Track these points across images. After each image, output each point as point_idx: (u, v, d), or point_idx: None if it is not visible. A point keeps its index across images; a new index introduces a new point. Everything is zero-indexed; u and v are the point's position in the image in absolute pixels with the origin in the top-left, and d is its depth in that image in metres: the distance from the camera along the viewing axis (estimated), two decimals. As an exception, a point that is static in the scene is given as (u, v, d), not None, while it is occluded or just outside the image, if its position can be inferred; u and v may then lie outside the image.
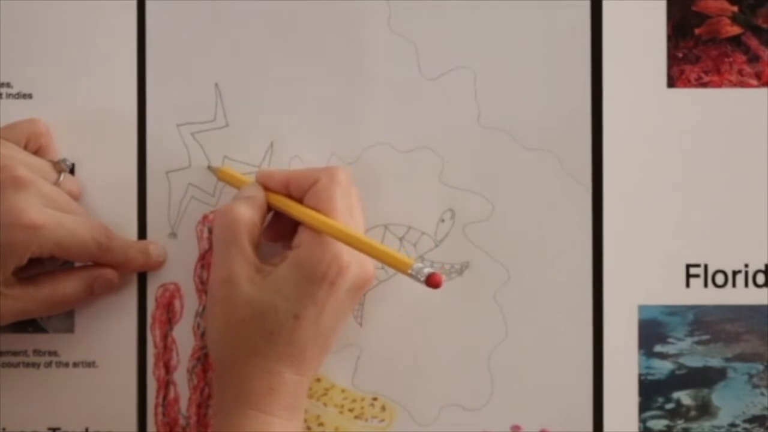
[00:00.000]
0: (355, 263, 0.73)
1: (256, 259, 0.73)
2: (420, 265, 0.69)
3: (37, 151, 0.76)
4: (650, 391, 0.78)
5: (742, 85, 0.78)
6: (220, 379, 0.73)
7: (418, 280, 0.69)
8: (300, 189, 0.75)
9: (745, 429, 0.78)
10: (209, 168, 0.78)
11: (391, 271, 0.78)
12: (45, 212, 0.72)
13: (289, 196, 0.75)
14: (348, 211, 0.74)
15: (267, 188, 0.76)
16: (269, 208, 0.76)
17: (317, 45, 0.78)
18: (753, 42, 0.78)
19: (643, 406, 0.78)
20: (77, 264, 0.77)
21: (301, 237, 0.73)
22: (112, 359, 0.77)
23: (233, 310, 0.72)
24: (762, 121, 0.78)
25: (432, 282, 0.68)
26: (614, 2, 0.78)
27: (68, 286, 0.75)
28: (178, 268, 0.78)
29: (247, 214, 0.74)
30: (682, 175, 0.78)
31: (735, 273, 0.78)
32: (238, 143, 0.78)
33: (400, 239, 0.78)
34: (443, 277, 0.68)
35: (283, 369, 0.72)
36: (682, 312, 0.78)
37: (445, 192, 0.78)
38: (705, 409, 0.78)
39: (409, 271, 0.69)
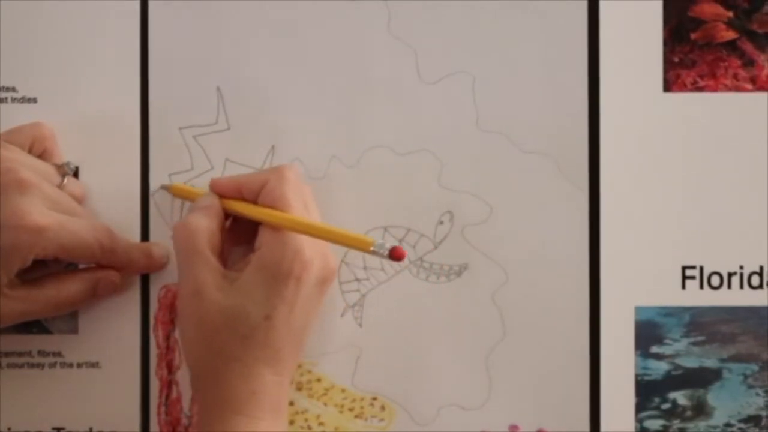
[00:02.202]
0: (318, 257, 0.73)
1: (221, 267, 0.74)
2: (381, 241, 0.69)
3: (42, 155, 0.77)
4: (647, 392, 0.78)
5: (738, 89, 0.78)
6: (201, 389, 0.74)
7: (382, 255, 0.69)
8: (252, 192, 0.75)
9: (740, 429, 0.78)
10: (162, 187, 0.78)
11: (390, 271, 0.79)
12: (49, 215, 0.73)
13: (243, 200, 0.76)
14: (303, 206, 0.75)
15: (221, 195, 0.76)
16: (226, 214, 0.76)
17: (318, 49, 0.79)
18: (748, 47, 0.78)
19: (640, 406, 0.78)
20: (81, 266, 0.77)
21: (262, 238, 0.74)
22: (116, 360, 0.78)
23: (205, 319, 0.72)
24: (757, 125, 0.78)
25: (395, 255, 0.68)
26: (611, 7, 0.78)
27: (72, 287, 0.76)
28: (181, 270, 0.78)
29: (204, 223, 0.74)
30: (678, 178, 0.78)
31: (730, 275, 0.78)
32: (239, 146, 0.79)
33: (399, 241, 0.78)
34: (405, 250, 0.69)
35: (262, 371, 0.72)
36: (678, 313, 0.79)
37: (444, 194, 0.79)
38: (701, 409, 0.79)
39: (372, 249, 0.69)
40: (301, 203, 0.75)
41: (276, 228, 0.73)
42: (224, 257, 0.75)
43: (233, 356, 0.72)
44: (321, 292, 0.75)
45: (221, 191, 0.76)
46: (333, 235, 0.73)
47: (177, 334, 0.78)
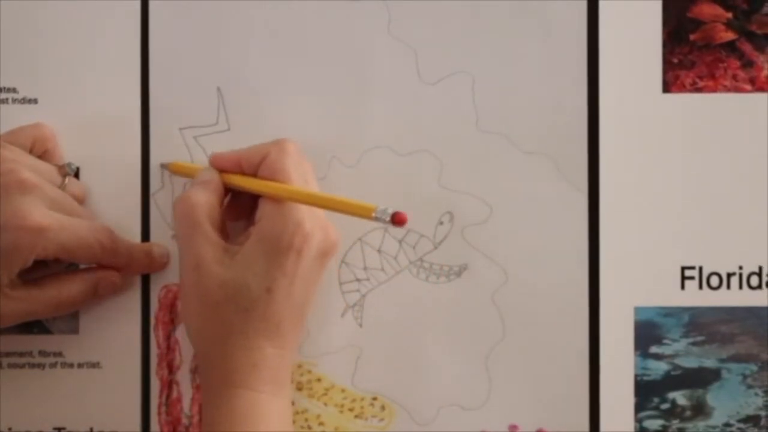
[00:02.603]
0: (319, 230, 0.74)
1: (221, 241, 0.74)
2: (383, 207, 0.70)
3: (43, 156, 0.77)
4: (646, 392, 0.79)
5: (737, 90, 0.79)
6: (203, 363, 0.74)
7: (384, 221, 0.69)
8: (252, 165, 0.75)
9: (739, 429, 0.79)
10: (162, 165, 0.78)
11: (390, 271, 0.79)
12: (50, 215, 0.73)
13: (243, 174, 0.76)
14: (303, 180, 0.75)
15: (221, 170, 0.76)
16: (226, 189, 0.76)
17: (318, 50, 0.79)
18: (747, 47, 0.79)
19: (639, 406, 0.79)
20: (81, 266, 0.77)
21: (262, 210, 0.74)
22: (116, 360, 0.78)
23: (206, 293, 0.73)
24: (756, 126, 0.79)
25: (397, 220, 0.69)
26: (610, 8, 0.78)
27: (73, 287, 0.76)
28: (181, 270, 0.78)
29: (204, 198, 0.74)
30: (677, 178, 0.79)
31: (729, 275, 0.79)
32: (239, 147, 0.78)
33: (400, 241, 0.79)
34: (407, 215, 0.69)
35: (263, 344, 0.73)
36: (677, 313, 0.79)
37: (444, 195, 0.79)
38: (700, 409, 0.79)
39: (373, 215, 0.70)
40: (302, 176, 0.75)
41: (276, 200, 0.73)
42: (225, 232, 0.75)
43: (234, 329, 0.72)
44: (321, 265, 0.75)
45: (221, 165, 0.77)
46: (334, 203, 0.73)
47: (177, 333, 0.79)
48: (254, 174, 0.75)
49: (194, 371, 0.79)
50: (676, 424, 0.79)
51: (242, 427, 0.71)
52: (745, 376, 0.79)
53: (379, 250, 0.79)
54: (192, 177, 0.77)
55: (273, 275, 0.72)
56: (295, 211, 0.73)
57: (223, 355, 0.72)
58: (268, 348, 0.73)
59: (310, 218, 0.73)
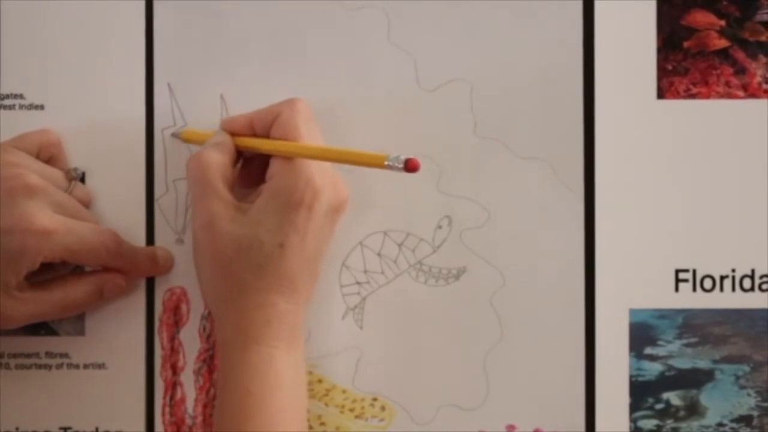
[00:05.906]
0: (329, 186, 0.74)
1: (233, 199, 0.74)
2: (395, 155, 0.70)
3: (49, 161, 0.77)
4: (641, 392, 0.79)
5: (730, 96, 0.79)
6: (218, 321, 0.74)
7: (397, 168, 0.69)
8: (264, 126, 0.76)
9: (732, 428, 0.79)
10: (173, 135, 0.79)
11: (390, 275, 0.80)
12: (56, 218, 0.74)
13: (255, 136, 0.76)
14: (312, 138, 0.75)
15: (233, 133, 0.77)
16: (239, 153, 0.77)
17: (319, 57, 0.79)
18: (740, 55, 0.79)
19: (634, 407, 0.79)
20: (87, 269, 0.78)
21: (273, 168, 0.74)
22: (122, 361, 0.79)
23: (219, 250, 0.73)
24: (748, 131, 0.79)
25: (410, 167, 0.69)
26: (605, 16, 0.79)
27: (79, 290, 0.76)
28: (185, 273, 0.79)
29: (217, 157, 0.75)
30: (671, 183, 0.79)
31: (722, 278, 0.79)
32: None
33: (399, 245, 0.79)
34: (420, 161, 0.69)
35: (277, 300, 0.73)
36: (671, 315, 0.79)
37: (443, 199, 0.79)
38: (693, 410, 0.79)
39: (386, 163, 0.70)
40: (312, 137, 0.75)
41: (288, 158, 0.74)
42: (236, 196, 0.75)
43: (248, 286, 0.72)
44: (332, 221, 0.75)
45: (233, 129, 0.77)
46: (346, 155, 0.73)
47: (181, 335, 0.79)
48: (266, 135, 0.76)
49: (198, 372, 0.79)
50: (670, 423, 0.79)
51: (258, 382, 0.72)
52: (737, 377, 0.79)
53: (379, 254, 0.80)
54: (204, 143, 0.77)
55: (285, 231, 0.72)
56: (305, 167, 0.73)
57: (237, 312, 0.73)
58: (281, 304, 0.73)
59: (320, 174, 0.73)
